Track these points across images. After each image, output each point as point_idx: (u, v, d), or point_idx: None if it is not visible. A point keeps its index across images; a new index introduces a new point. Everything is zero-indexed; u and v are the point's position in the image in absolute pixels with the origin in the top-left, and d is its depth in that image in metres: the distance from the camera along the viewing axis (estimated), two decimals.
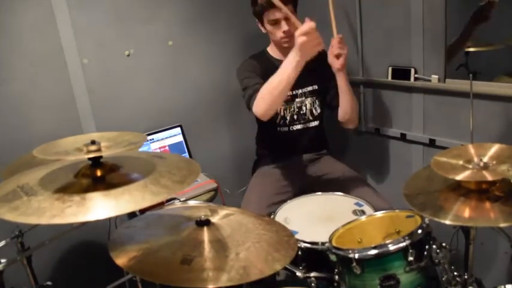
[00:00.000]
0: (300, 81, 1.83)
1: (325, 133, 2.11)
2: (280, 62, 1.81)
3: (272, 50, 1.96)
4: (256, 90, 1.70)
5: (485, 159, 1.11)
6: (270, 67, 1.82)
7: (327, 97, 1.98)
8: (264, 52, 1.98)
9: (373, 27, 2.19)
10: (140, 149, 1.16)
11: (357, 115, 1.96)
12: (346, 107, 1.87)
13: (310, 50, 1.49)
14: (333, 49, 1.77)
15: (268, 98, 1.63)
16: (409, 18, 1.98)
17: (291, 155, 1.98)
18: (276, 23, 1.78)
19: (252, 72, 1.85)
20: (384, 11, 2.10)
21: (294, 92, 1.90)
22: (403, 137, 2.21)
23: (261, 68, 1.85)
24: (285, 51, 1.82)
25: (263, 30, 1.88)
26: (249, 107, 1.76)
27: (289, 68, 1.54)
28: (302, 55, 1.49)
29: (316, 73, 1.88)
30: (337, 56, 1.77)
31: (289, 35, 1.77)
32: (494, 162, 1.11)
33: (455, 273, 1.26)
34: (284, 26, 1.77)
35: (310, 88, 1.93)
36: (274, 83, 1.61)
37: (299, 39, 1.46)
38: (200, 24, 2.32)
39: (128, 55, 2.13)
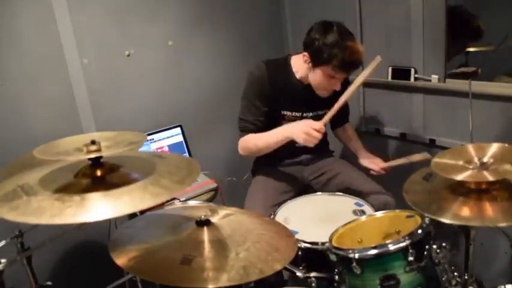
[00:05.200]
0: (314, 104, 1.83)
1: (326, 137, 2.09)
2: (299, 81, 1.78)
3: (297, 67, 1.77)
4: (247, 130, 1.78)
5: (485, 159, 1.11)
6: (287, 81, 1.77)
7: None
8: (286, 62, 1.80)
9: (373, 27, 2.19)
10: (140, 149, 1.16)
11: None
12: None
13: (304, 141, 1.60)
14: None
15: (251, 149, 1.79)
16: (409, 18, 1.98)
17: (290, 157, 1.97)
18: (333, 78, 1.65)
19: (257, 99, 1.75)
20: (384, 11, 2.10)
21: (305, 115, 1.83)
22: (403, 137, 2.21)
23: (277, 80, 1.75)
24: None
25: (305, 65, 1.70)
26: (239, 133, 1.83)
27: (279, 141, 1.70)
28: (296, 138, 1.62)
29: (332, 97, 1.81)
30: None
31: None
32: (494, 162, 1.11)
33: (455, 273, 1.26)
34: (338, 85, 1.68)
35: (321, 112, 1.82)
36: (261, 143, 1.75)
37: (306, 131, 1.58)
38: (200, 24, 2.32)
39: (128, 55, 2.13)
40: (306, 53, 1.67)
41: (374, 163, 1.84)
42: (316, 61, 1.64)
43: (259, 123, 1.78)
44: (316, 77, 1.69)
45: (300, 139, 1.60)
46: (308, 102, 1.81)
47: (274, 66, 1.78)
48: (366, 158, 1.90)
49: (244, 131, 1.79)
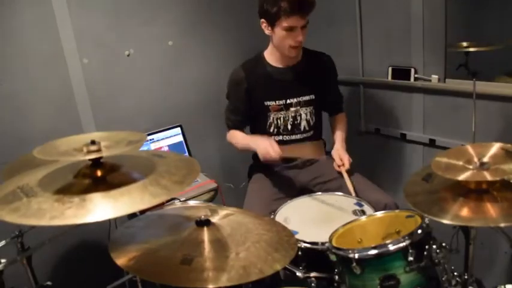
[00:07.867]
0: (296, 89, 1.86)
1: (322, 137, 2.09)
2: (275, 68, 1.85)
3: (269, 55, 1.87)
4: (230, 126, 1.97)
5: (485, 159, 1.11)
6: (263, 73, 1.84)
7: (325, 104, 1.97)
8: (259, 57, 1.89)
9: (373, 27, 2.19)
10: (140, 149, 1.15)
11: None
12: None
13: (262, 157, 1.72)
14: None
15: (234, 144, 1.96)
16: (409, 18, 1.98)
17: (285, 161, 1.96)
18: (291, 30, 1.68)
19: (236, 101, 1.90)
20: (384, 11, 2.11)
21: (289, 101, 1.85)
22: (403, 137, 2.21)
23: (255, 75, 1.84)
24: (284, 58, 1.83)
25: (267, 32, 1.77)
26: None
27: (251, 148, 1.81)
28: (258, 152, 1.73)
29: (315, 82, 1.87)
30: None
31: (300, 46, 1.75)
32: (494, 162, 1.11)
33: (455, 273, 1.26)
34: (299, 36, 1.69)
35: (307, 98, 1.87)
36: (239, 145, 1.92)
37: (265, 150, 1.69)
38: (200, 24, 2.32)
39: (128, 55, 2.13)
40: (262, 20, 1.75)
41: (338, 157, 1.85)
42: (271, 21, 1.71)
43: (239, 123, 1.96)
44: (279, 37, 1.73)
45: (260, 155, 1.72)
46: (289, 88, 1.86)
47: (249, 64, 1.89)
48: (335, 150, 1.90)
49: (229, 126, 1.98)
